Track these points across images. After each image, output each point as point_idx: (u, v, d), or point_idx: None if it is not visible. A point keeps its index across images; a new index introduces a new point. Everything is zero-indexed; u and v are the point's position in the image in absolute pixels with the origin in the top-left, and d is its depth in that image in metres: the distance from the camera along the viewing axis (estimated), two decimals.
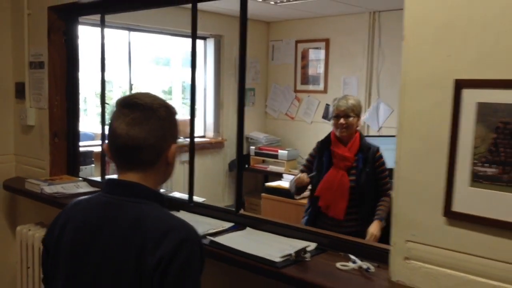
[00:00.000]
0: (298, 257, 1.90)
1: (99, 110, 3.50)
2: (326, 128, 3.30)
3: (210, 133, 6.26)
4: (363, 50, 5.71)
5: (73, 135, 3.41)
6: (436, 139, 1.56)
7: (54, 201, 2.91)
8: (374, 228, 3.05)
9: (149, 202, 1.48)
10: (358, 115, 3.29)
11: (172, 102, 6.29)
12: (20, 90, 3.49)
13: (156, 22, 5.31)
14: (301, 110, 6.35)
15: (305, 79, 6.36)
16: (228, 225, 2.36)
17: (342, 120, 3.24)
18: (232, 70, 5.86)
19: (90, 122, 5.75)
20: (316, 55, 6.23)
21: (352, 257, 1.88)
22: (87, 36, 4.39)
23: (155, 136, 1.46)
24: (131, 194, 1.48)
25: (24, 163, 3.54)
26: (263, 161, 6.16)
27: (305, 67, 6.34)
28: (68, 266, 1.50)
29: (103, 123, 3.25)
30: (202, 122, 6.27)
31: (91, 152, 3.87)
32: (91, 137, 5.07)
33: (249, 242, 2.11)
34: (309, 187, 3.39)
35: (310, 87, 6.30)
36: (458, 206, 1.53)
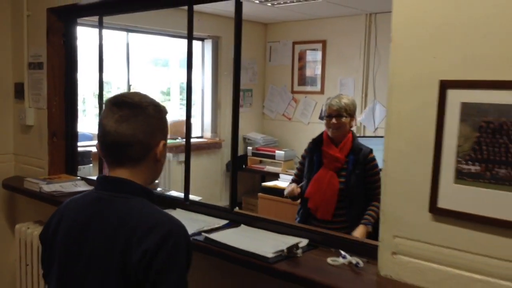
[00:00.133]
0: (290, 253, 1.95)
1: (98, 110, 3.55)
2: (323, 129, 3.26)
3: (208, 134, 6.31)
4: (359, 51, 5.76)
5: (72, 134, 3.46)
6: (422, 138, 1.62)
7: (52, 199, 2.95)
8: (358, 233, 2.96)
9: (138, 198, 1.52)
10: (351, 115, 3.19)
11: (170, 103, 6.34)
12: (19, 91, 3.53)
13: (154, 23, 5.36)
14: (298, 111, 6.40)
15: (302, 80, 6.41)
16: (223, 222, 2.40)
17: (334, 120, 3.14)
18: (230, 71, 5.89)
19: (89, 123, 5.79)
20: (313, 57, 6.28)
21: (343, 252, 1.93)
22: (86, 37, 4.43)
23: (143, 132, 1.50)
24: (121, 190, 1.52)
25: (23, 162, 3.58)
26: (260, 162, 6.20)
27: (302, 68, 6.39)
28: (62, 261, 1.55)
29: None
30: (200, 122, 6.32)
31: (89, 152, 3.93)
32: (89, 138, 5.11)
33: (243, 238, 2.16)
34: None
35: (307, 88, 6.35)
36: (443, 202, 1.59)
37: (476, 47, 1.50)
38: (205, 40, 6.15)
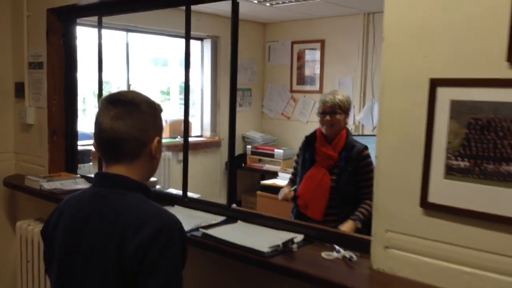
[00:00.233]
0: (285, 248, 1.99)
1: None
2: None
3: (207, 133, 6.34)
4: (357, 50, 5.80)
5: (71, 133, 3.49)
6: (413, 135, 1.66)
7: (52, 197, 2.99)
8: (345, 227, 2.87)
9: (134, 193, 1.56)
10: (346, 112, 3.11)
11: (170, 103, 6.37)
12: (19, 90, 3.56)
13: (154, 23, 5.40)
14: (297, 110, 6.44)
15: (301, 80, 6.44)
16: (220, 219, 2.44)
17: (328, 117, 3.06)
18: (228, 70, 5.92)
19: (89, 122, 5.82)
20: (312, 56, 6.32)
21: (337, 247, 1.96)
22: (86, 37, 4.47)
23: (137, 129, 1.54)
24: (117, 186, 1.56)
25: (24, 160, 3.62)
26: (260, 160, 6.24)
27: (301, 67, 6.42)
28: (61, 257, 1.58)
29: None
30: (199, 122, 6.36)
31: (89, 150, 3.95)
32: (89, 137, 5.14)
33: (240, 234, 2.20)
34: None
35: (306, 88, 6.38)
36: (433, 197, 1.63)
37: (465, 46, 1.54)
38: (204, 40, 6.19)
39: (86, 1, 3.03)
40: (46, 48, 3.34)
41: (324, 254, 1.94)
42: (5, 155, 3.64)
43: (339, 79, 6.05)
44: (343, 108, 3.09)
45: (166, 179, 5.56)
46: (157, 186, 3.51)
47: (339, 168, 3.04)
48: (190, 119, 6.14)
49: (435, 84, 1.60)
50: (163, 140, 1.70)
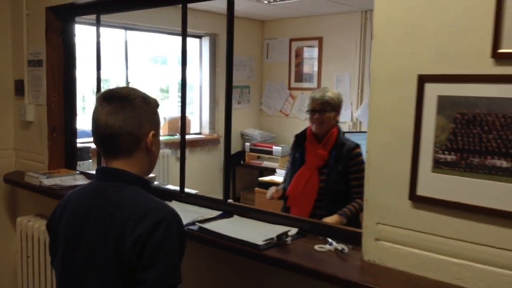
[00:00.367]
0: (279, 241, 2.04)
1: None
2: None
3: (206, 130, 6.38)
4: (355, 48, 5.83)
5: (70, 130, 3.53)
6: (402, 129, 1.71)
7: (52, 193, 3.03)
8: (329, 219, 2.75)
9: (133, 187, 1.60)
10: (336, 110, 3.03)
11: (169, 100, 6.40)
12: (19, 87, 3.60)
13: (152, 21, 5.42)
14: (295, 107, 6.47)
15: (299, 77, 6.48)
16: (216, 213, 2.49)
17: (317, 115, 2.99)
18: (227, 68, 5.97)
19: (89, 120, 5.85)
20: (310, 53, 6.35)
21: (329, 240, 2.01)
22: (85, 35, 4.50)
23: (131, 123, 1.58)
24: (116, 180, 1.61)
25: (24, 157, 3.66)
26: (258, 157, 6.27)
27: (299, 65, 6.45)
28: (64, 249, 1.64)
29: None
30: (198, 119, 6.39)
31: (89, 147, 3.99)
32: (89, 134, 5.16)
33: (235, 228, 2.24)
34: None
35: (304, 85, 6.41)
36: (422, 190, 1.68)
37: (451, 44, 1.59)
38: (203, 38, 6.22)
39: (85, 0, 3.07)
40: (45, 46, 3.38)
41: (317, 247, 1.98)
42: (5, 152, 3.67)
43: (337, 76, 6.08)
44: (333, 106, 3.02)
45: (165, 175, 5.59)
46: (156, 182, 3.55)
47: (328, 167, 2.96)
48: (189, 116, 6.21)
49: (423, 80, 1.64)
50: (162, 137, 1.74)
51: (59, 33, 3.42)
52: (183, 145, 2.84)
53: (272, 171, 5.54)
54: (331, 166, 2.95)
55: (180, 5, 2.73)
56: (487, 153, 1.53)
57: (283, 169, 5.22)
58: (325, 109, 2.99)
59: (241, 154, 6.29)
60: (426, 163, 1.65)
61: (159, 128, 1.71)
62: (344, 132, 5.36)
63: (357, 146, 2.99)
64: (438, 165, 1.63)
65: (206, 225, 2.26)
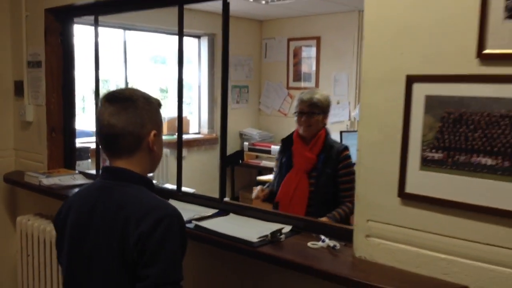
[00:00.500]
0: (273, 238, 2.08)
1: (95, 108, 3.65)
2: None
3: (205, 130, 6.41)
4: (352, 47, 5.86)
5: (69, 130, 3.56)
6: (391, 128, 1.75)
7: (51, 192, 3.07)
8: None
9: (136, 185, 1.64)
10: (324, 112, 2.95)
11: (168, 100, 6.43)
12: (19, 88, 3.64)
13: (151, 21, 5.45)
14: (294, 107, 6.47)
15: (297, 76, 6.51)
16: (213, 211, 2.53)
17: (305, 118, 2.91)
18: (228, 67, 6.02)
19: (89, 120, 5.89)
20: (308, 53, 6.38)
21: (322, 237, 2.05)
22: (85, 35, 4.54)
23: (133, 124, 1.62)
24: (120, 179, 1.65)
25: (23, 157, 3.69)
26: (257, 157, 6.31)
27: (297, 64, 6.48)
28: (71, 245, 1.68)
29: None
30: (197, 119, 6.43)
31: (88, 148, 4.03)
32: (89, 134, 5.22)
33: (231, 225, 2.29)
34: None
35: (302, 84, 6.44)
36: (410, 187, 1.72)
37: (438, 45, 1.63)
38: (201, 37, 6.26)
39: (82, 1, 3.10)
40: (44, 47, 3.41)
41: (309, 244, 2.03)
42: (5, 151, 3.71)
43: (334, 75, 6.12)
44: (322, 108, 2.94)
45: (164, 175, 5.63)
46: (153, 181, 3.58)
47: (317, 171, 2.88)
48: (188, 116, 6.25)
49: (411, 80, 1.68)
50: (164, 137, 1.78)
51: (58, 34, 3.46)
52: (180, 145, 2.88)
53: (270, 170, 5.54)
54: (320, 170, 2.87)
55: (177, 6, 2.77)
56: (473, 151, 1.57)
57: None
58: (313, 112, 2.92)
59: (240, 153, 6.32)
60: (414, 161, 1.69)
61: (161, 128, 1.74)
62: (342, 132, 5.47)
63: (346, 148, 2.94)
64: (426, 163, 1.67)
65: (202, 223, 2.30)
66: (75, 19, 3.51)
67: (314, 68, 6.31)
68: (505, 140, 1.51)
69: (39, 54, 3.46)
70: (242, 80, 6.55)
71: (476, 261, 1.61)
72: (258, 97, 6.81)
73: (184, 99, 6.32)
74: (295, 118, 2.98)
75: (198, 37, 6.25)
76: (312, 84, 6.32)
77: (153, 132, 1.67)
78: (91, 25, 3.29)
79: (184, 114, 6.17)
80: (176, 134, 2.80)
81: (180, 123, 2.85)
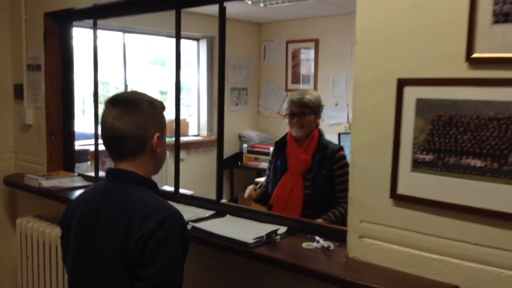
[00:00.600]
0: (269, 239, 2.11)
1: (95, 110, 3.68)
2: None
3: (204, 132, 6.45)
4: (350, 49, 5.88)
5: (69, 133, 3.59)
6: (383, 131, 1.78)
7: (51, 194, 3.10)
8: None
9: (140, 187, 1.67)
10: (315, 112, 2.90)
11: (168, 102, 6.48)
12: (18, 91, 3.67)
13: (150, 24, 5.47)
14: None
15: (296, 78, 6.55)
16: (209, 213, 2.56)
17: (296, 119, 2.87)
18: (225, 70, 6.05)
19: (89, 122, 5.92)
20: (306, 55, 6.42)
21: (317, 238, 2.08)
22: (84, 37, 4.56)
23: (136, 127, 1.65)
24: (124, 181, 1.68)
25: (23, 159, 3.73)
26: (256, 159, 6.34)
27: (295, 66, 6.52)
28: (75, 246, 1.71)
29: (96, 122, 3.42)
30: (196, 121, 6.46)
31: (87, 150, 4.07)
32: (89, 137, 5.24)
33: (227, 227, 2.32)
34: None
35: (301, 86, 6.47)
36: (402, 189, 1.75)
37: (429, 49, 1.66)
38: (200, 40, 6.30)
39: (81, 5, 3.13)
40: (44, 50, 3.45)
41: (304, 245, 2.05)
42: (5, 154, 3.74)
43: (333, 77, 6.16)
44: (312, 108, 2.90)
45: (163, 177, 5.66)
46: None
47: (312, 172, 2.84)
48: (187, 118, 6.28)
49: (402, 83, 1.71)
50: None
51: (57, 37, 3.49)
52: (177, 147, 2.91)
53: None
54: (315, 171, 2.84)
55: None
56: (462, 153, 1.60)
57: None
58: (304, 112, 2.88)
59: (239, 155, 6.36)
60: (406, 163, 1.72)
61: (165, 130, 1.77)
62: (340, 134, 5.50)
63: (341, 148, 2.91)
64: (417, 165, 1.70)
65: (199, 224, 2.33)
66: (75, 22, 3.54)
67: (312, 70, 6.35)
68: (493, 142, 1.54)
69: (39, 57, 3.49)
70: (241, 82, 6.58)
71: (466, 261, 1.64)
72: (257, 99, 6.85)
73: (184, 102, 6.41)
74: (287, 120, 2.96)
75: (197, 39, 6.29)
76: (310, 86, 6.35)
77: (156, 135, 1.70)
78: (90, 27, 3.33)
79: (184, 116, 6.24)
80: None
81: (178, 125, 2.88)
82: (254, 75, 6.76)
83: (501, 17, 1.50)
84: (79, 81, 3.67)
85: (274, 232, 2.15)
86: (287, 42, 6.54)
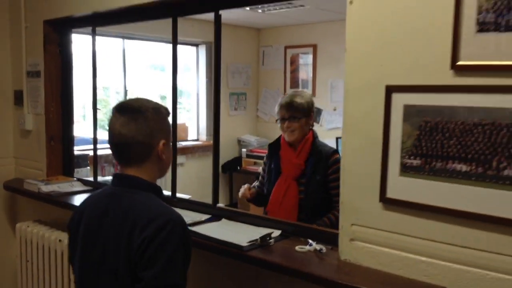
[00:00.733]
0: (263, 242, 2.15)
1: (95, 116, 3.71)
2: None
3: (203, 137, 6.48)
4: None
5: (68, 138, 3.63)
6: (372, 136, 1.82)
7: (50, 199, 3.14)
8: None
9: (144, 192, 1.72)
10: (307, 115, 2.80)
11: (167, 106, 6.50)
12: (18, 97, 3.72)
13: (149, 30, 5.51)
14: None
15: (295, 83, 6.58)
16: (205, 217, 2.60)
17: (287, 123, 2.80)
18: (223, 75, 6.11)
19: (89, 128, 5.95)
20: (305, 60, 6.46)
21: (310, 241, 2.12)
22: (84, 43, 4.60)
23: (143, 134, 1.70)
24: (130, 186, 1.73)
25: (23, 165, 3.77)
26: (255, 163, 6.37)
27: (294, 71, 6.57)
28: (82, 249, 1.76)
29: (95, 127, 3.47)
30: (196, 126, 6.50)
31: (86, 155, 4.11)
32: (89, 142, 5.27)
33: (222, 230, 2.36)
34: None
35: None
36: (391, 193, 1.79)
37: (416, 57, 1.71)
38: (199, 46, 6.34)
39: (80, 13, 3.18)
40: (43, 57, 3.49)
41: (297, 247, 2.09)
42: (5, 160, 3.79)
43: (331, 82, 6.20)
44: (303, 112, 2.80)
45: (163, 181, 5.69)
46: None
47: (306, 177, 2.78)
48: (187, 123, 6.32)
49: (390, 90, 1.76)
50: None
51: (56, 44, 3.54)
52: (174, 152, 2.95)
53: None
54: (309, 176, 2.77)
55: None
56: (448, 158, 1.64)
57: None
58: (294, 116, 2.79)
59: (238, 159, 6.39)
60: (394, 168, 1.77)
61: (170, 137, 1.83)
62: (337, 138, 5.53)
63: (335, 152, 2.81)
64: (405, 169, 1.74)
65: (195, 228, 2.37)
66: (74, 29, 3.58)
67: (311, 75, 6.39)
68: (478, 148, 1.58)
69: (38, 64, 3.53)
70: (240, 88, 6.62)
71: (454, 263, 1.68)
72: (256, 104, 6.89)
73: (183, 106, 6.45)
74: (279, 125, 2.90)
75: (196, 45, 6.33)
76: (309, 90, 6.38)
77: (162, 142, 1.75)
78: (89, 34, 3.37)
79: (183, 121, 6.28)
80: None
81: (175, 130, 2.92)
82: (253, 80, 6.80)
83: (484, 26, 1.55)
84: (79, 86, 3.71)
85: (268, 235, 2.19)
86: (286, 48, 6.58)
